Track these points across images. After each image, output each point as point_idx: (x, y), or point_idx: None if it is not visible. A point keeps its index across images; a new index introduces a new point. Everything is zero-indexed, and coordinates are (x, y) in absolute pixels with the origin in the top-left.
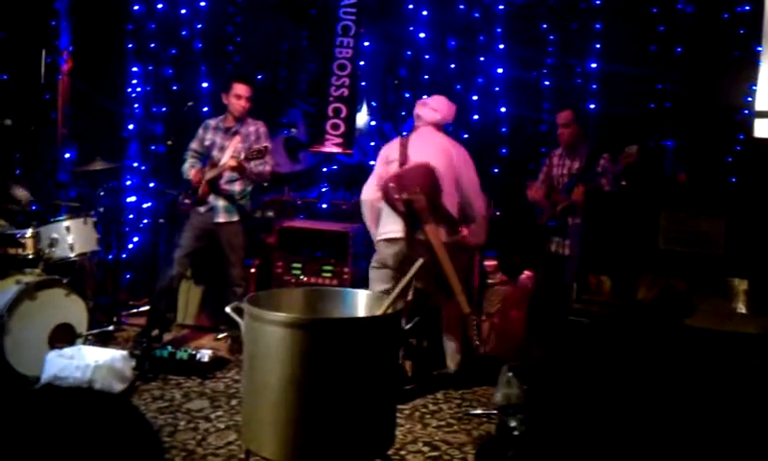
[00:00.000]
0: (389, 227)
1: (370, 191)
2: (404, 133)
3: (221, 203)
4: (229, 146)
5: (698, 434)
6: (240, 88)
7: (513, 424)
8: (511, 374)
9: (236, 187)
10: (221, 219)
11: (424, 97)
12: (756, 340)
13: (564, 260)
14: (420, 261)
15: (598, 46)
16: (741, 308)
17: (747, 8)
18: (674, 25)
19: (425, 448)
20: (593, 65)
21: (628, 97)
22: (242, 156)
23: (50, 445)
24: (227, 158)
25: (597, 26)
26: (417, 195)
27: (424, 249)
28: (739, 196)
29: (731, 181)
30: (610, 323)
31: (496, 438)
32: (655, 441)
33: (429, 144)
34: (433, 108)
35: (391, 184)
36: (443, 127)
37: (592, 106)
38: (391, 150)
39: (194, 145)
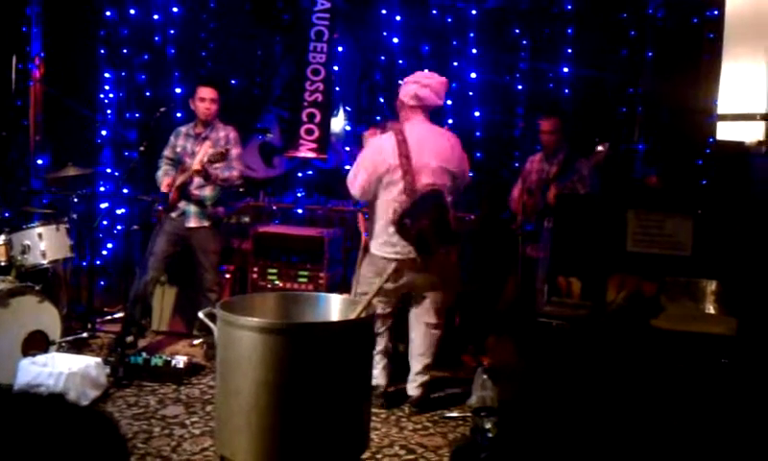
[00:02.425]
0: (395, 247)
1: (363, 191)
2: (391, 126)
3: (192, 208)
4: (199, 151)
5: (667, 436)
6: (203, 91)
7: (487, 426)
8: (485, 376)
9: (207, 192)
10: (192, 224)
11: (422, 73)
12: (725, 341)
13: (537, 263)
14: (393, 265)
15: (570, 51)
16: (710, 309)
17: (716, 12)
18: (644, 30)
19: (401, 452)
20: (565, 70)
21: (599, 101)
22: (205, 159)
23: (20, 453)
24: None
25: (569, 31)
26: (428, 227)
27: (432, 269)
28: (706, 198)
29: (701, 184)
30: (579, 325)
31: (471, 440)
32: (625, 442)
33: (430, 144)
34: (436, 90)
35: (406, 220)
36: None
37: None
38: (386, 151)
39: (167, 152)
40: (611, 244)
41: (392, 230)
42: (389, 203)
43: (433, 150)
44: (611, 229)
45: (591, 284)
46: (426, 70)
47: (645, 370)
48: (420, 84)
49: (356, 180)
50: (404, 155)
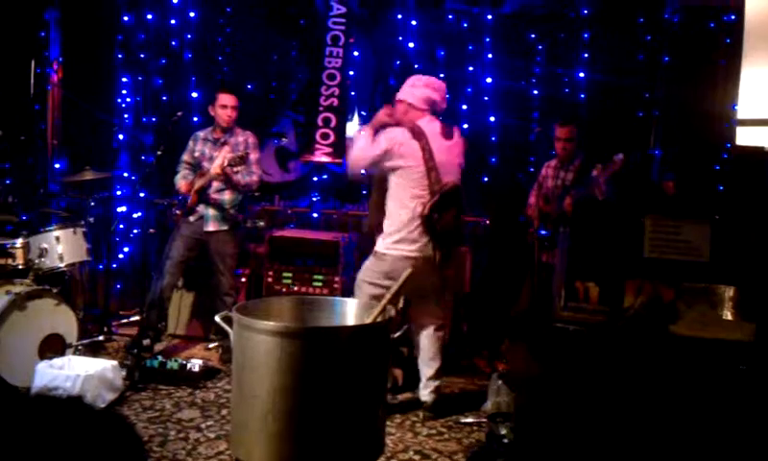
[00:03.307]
0: (414, 245)
1: (367, 162)
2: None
3: (211, 212)
4: (218, 156)
5: (685, 441)
6: (225, 98)
7: (502, 432)
8: (501, 381)
9: (226, 196)
10: (211, 228)
11: (430, 79)
12: (743, 347)
13: (553, 268)
14: (409, 271)
15: (586, 56)
16: (728, 315)
17: (732, 17)
18: (661, 34)
19: (416, 457)
20: (581, 75)
21: (616, 106)
22: (225, 163)
23: (37, 456)
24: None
25: (585, 35)
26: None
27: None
28: (724, 203)
29: (718, 190)
30: (596, 331)
31: (486, 446)
32: (642, 448)
33: (446, 141)
34: (443, 96)
35: (435, 214)
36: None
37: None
38: (413, 145)
39: (185, 157)
40: (628, 250)
41: (414, 225)
42: (411, 199)
43: (450, 146)
44: (628, 234)
45: (609, 290)
46: (431, 77)
47: (663, 376)
48: (432, 88)
49: (371, 148)
50: (428, 150)
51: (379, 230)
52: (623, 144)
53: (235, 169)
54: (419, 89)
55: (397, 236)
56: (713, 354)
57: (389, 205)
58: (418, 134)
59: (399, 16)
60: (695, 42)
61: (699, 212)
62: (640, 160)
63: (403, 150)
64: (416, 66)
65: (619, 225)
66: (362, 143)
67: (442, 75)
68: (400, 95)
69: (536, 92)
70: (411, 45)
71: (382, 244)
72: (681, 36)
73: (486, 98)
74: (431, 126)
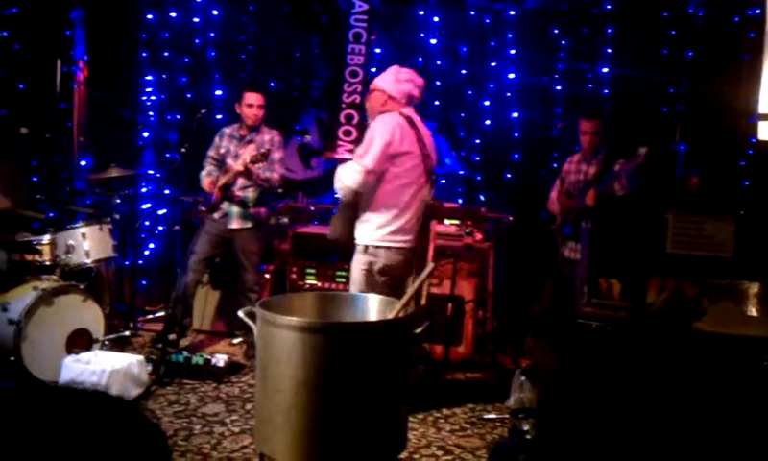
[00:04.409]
0: (408, 236)
1: (375, 164)
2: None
3: (235, 209)
4: (243, 154)
5: (709, 439)
6: (251, 97)
7: (525, 428)
8: (524, 377)
9: (250, 194)
10: (235, 225)
11: (412, 73)
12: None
13: (576, 264)
14: (432, 265)
15: (609, 51)
16: (752, 311)
17: (757, 11)
18: (685, 29)
19: (439, 453)
20: (605, 70)
21: (640, 101)
22: (248, 160)
23: (62, 448)
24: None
25: (608, 31)
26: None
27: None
28: (748, 198)
29: (743, 185)
30: (618, 327)
31: (509, 442)
32: (665, 446)
33: (426, 130)
34: (422, 91)
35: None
36: None
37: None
38: (405, 131)
39: (211, 153)
40: (650, 246)
41: (409, 215)
42: (404, 187)
43: (429, 136)
44: (650, 230)
45: (632, 286)
46: (413, 71)
47: (686, 373)
48: (414, 84)
49: (368, 153)
50: (419, 138)
51: (351, 242)
52: (647, 140)
53: (257, 166)
54: (402, 84)
55: (392, 227)
56: (737, 351)
57: (378, 193)
58: (410, 121)
59: (421, 13)
60: (719, 37)
61: (723, 207)
62: (665, 155)
63: (402, 134)
64: (438, 63)
65: (642, 221)
66: (348, 167)
67: (463, 71)
68: (381, 85)
69: (559, 88)
70: (433, 41)
71: (371, 236)
72: (705, 31)
73: (508, 94)
74: (413, 116)
